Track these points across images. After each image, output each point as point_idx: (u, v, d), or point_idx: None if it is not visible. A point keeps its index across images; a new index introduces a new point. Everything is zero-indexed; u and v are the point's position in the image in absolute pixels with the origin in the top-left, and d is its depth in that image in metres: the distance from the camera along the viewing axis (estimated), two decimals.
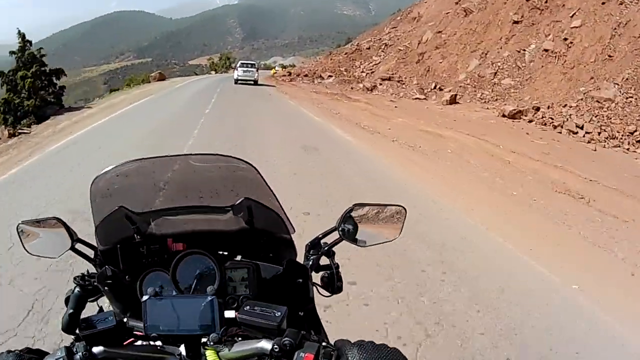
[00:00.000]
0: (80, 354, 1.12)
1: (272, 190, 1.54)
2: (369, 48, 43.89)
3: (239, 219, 1.56)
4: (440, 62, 30.67)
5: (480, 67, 26.45)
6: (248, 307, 1.21)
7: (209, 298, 1.16)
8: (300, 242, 1.66)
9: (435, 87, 27.29)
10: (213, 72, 79.05)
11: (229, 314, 1.28)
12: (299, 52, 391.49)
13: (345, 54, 45.71)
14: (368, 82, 32.17)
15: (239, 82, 36.18)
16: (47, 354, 1.16)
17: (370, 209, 1.56)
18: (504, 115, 18.78)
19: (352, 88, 33.59)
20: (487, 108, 21.70)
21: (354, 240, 1.53)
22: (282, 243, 1.61)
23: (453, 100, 23.76)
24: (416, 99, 26.38)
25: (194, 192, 1.66)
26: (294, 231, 1.59)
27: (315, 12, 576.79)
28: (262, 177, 1.53)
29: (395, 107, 22.97)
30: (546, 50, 23.15)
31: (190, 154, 1.61)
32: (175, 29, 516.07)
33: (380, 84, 31.50)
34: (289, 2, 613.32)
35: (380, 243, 1.59)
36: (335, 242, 1.56)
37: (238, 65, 39.88)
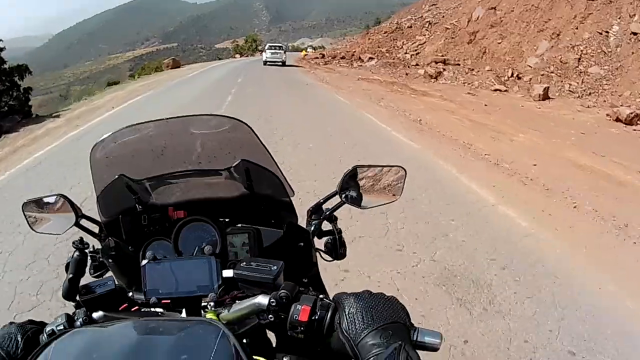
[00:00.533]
0: (80, 319, 1.11)
1: (269, 152, 1.50)
2: (410, 27, 39.11)
3: (238, 184, 1.55)
4: (499, 43, 26.01)
5: (555, 50, 21.75)
6: (244, 263, 1.21)
7: (207, 258, 1.22)
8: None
9: (512, 75, 21.94)
10: (238, 56, 72.79)
11: (227, 273, 1.23)
12: (326, 33, 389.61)
13: (385, 33, 40.54)
14: (430, 68, 26.40)
15: (268, 63, 37.61)
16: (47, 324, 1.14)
17: (370, 171, 1.54)
18: (617, 119, 13.66)
19: (407, 74, 27.37)
20: (588, 106, 16.54)
21: (356, 203, 1.51)
22: (282, 207, 1.56)
23: (546, 95, 18.15)
24: (496, 90, 20.63)
25: (192, 156, 1.60)
26: (294, 194, 1.55)
27: None
28: (257, 137, 1.48)
29: (485, 105, 16.64)
30: (634, 34, 18.66)
31: (186, 116, 1.53)
32: (200, 14, 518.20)
33: (444, 69, 26.20)
34: None
35: (381, 204, 1.58)
36: (337, 206, 1.54)
37: (266, 47, 41.47)
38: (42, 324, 1.14)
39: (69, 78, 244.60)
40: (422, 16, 40.21)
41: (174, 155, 1.61)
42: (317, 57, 43.29)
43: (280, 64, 37.65)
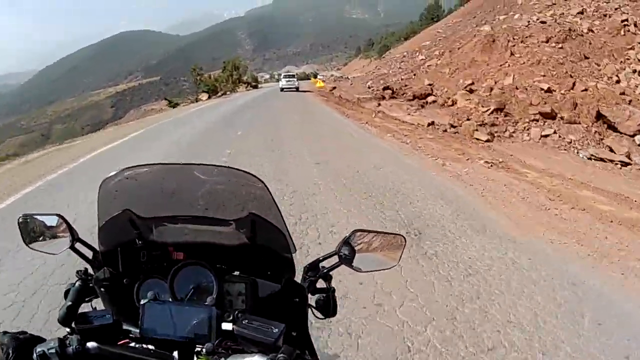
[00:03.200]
0: (73, 347, 1.11)
1: (278, 209, 1.50)
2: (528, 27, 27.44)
3: (240, 233, 1.54)
4: None
5: None
6: (246, 320, 1.22)
7: (208, 308, 1.23)
8: None
9: None
10: (204, 97, 49.93)
11: (226, 326, 1.25)
12: (312, 60, 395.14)
13: (488, 42, 26.54)
14: None
15: (285, 90, 41.63)
16: (43, 340, 1.15)
17: (370, 236, 1.56)
18: None
19: None
20: None
21: (352, 266, 1.52)
22: (282, 261, 1.56)
23: None
24: None
25: (200, 203, 1.61)
26: (295, 251, 1.55)
27: (325, 18, 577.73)
28: (270, 194, 1.48)
29: None
30: None
31: (201, 164, 1.56)
32: (183, 45, 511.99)
33: None
34: (297, 10, 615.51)
35: (377, 270, 1.60)
36: (334, 266, 1.55)
37: (282, 77, 48.95)
38: (37, 339, 1.14)
39: (51, 116, 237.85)
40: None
41: (183, 199, 1.62)
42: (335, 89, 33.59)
43: (294, 90, 41.17)
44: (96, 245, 1.59)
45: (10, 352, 1.06)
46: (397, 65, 38.34)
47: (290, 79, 45.38)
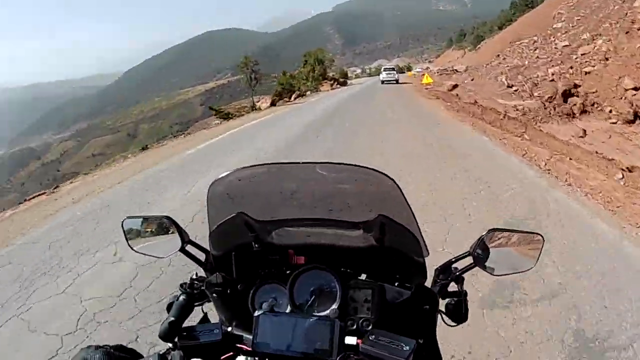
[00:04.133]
0: None
1: (411, 209, 1.37)
2: None
3: (368, 235, 1.45)
4: None
5: None
6: (373, 336, 1.14)
7: (331, 320, 1.16)
8: None
9: None
10: (263, 105, 36.02)
11: (350, 340, 1.17)
12: (402, 53, 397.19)
13: None
14: None
15: (385, 82, 45.15)
16: (140, 355, 1.16)
17: (506, 235, 1.44)
18: None
19: None
20: None
21: (487, 268, 1.40)
22: (413, 265, 1.45)
23: None
24: None
25: (323, 204, 1.52)
26: (428, 254, 1.44)
27: (411, 11, 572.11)
28: (402, 193, 1.35)
29: None
30: None
31: (324, 163, 1.44)
32: (271, 42, 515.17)
33: None
34: (383, 4, 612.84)
35: (513, 273, 1.48)
36: (468, 268, 1.42)
37: (382, 70, 52.03)
38: (133, 354, 1.12)
39: (137, 116, 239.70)
40: None
41: (303, 201, 1.54)
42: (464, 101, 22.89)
43: (394, 82, 44.22)
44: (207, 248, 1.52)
45: None
46: (530, 53, 29.66)
47: (390, 72, 48.42)
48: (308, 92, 45.04)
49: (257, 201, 1.51)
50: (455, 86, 24.23)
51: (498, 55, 34.20)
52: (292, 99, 40.21)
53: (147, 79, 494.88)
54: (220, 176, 1.44)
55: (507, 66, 27.94)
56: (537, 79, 20.22)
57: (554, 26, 32.71)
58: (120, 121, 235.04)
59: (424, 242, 1.40)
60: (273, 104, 35.69)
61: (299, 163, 1.43)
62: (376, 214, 1.36)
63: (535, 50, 29.67)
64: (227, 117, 30.61)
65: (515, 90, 19.63)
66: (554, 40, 28.89)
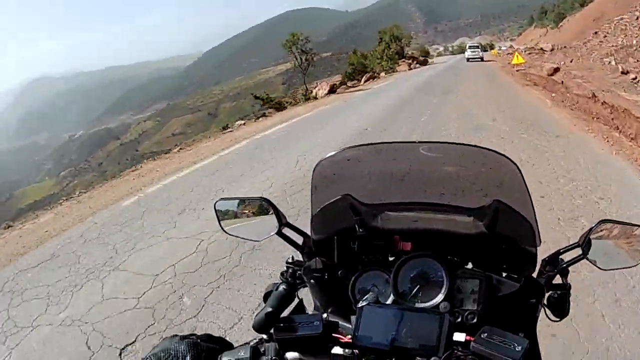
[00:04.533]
0: (269, 357, 1.06)
1: (530, 196, 1.29)
2: None
3: (479, 222, 1.38)
4: None
5: None
6: (486, 334, 1.06)
7: (440, 315, 1.10)
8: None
9: None
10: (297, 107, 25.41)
11: (459, 336, 1.09)
12: (484, 31, 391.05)
13: None
14: None
15: (470, 60, 47.48)
16: (230, 345, 1.13)
17: (618, 228, 1.36)
18: None
19: None
20: None
21: (595, 262, 1.32)
22: (523, 255, 1.36)
23: None
24: None
25: (434, 187, 1.46)
26: (540, 243, 1.33)
27: None
28: (522, 177, 1.28)
29: None
30: None
31: (438, 142, 1.42)
32: (352, 21, 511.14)
33: None
34: None
35: (621, 268, 1.39)
36: (576, 260, 1.35)
37: (467, 47, 55.69)
38: (222, 344, 1.10)
39: (218, 95, 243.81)
40: None
41: (414, 184, 1.47)
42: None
43: (479, 59, 45.88)
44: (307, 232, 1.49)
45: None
46: (637, 31, 25.50)
47: (475, 50, 50.61)
48: (383, 74, 40.65)
49: (364, 183, 1.46)
50: (556, 70, 20.44)
51: (596, 33, 29.70)
52: (363, 81, 35.91)
53: (227, 59, 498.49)
54: (326, 156, 1.39)
55: (613, 46, 23.88)
56: None
57: None
58: (200, 101, 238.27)
59: (538, 230, 1.30)
60: (332, 90, 29.41)
61: (411, 143, 1.40)
62: (491, 199, 1.30)
63: None
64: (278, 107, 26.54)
65: (635, 79, 15.92)
66: None
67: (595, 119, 11.80)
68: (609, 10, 36.06)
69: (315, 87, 30.91)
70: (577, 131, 10.29)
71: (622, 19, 29.24)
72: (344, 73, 42.17)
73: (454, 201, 1.40)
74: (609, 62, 20.47)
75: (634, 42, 23.52)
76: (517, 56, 27.56)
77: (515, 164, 1.25)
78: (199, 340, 1.04)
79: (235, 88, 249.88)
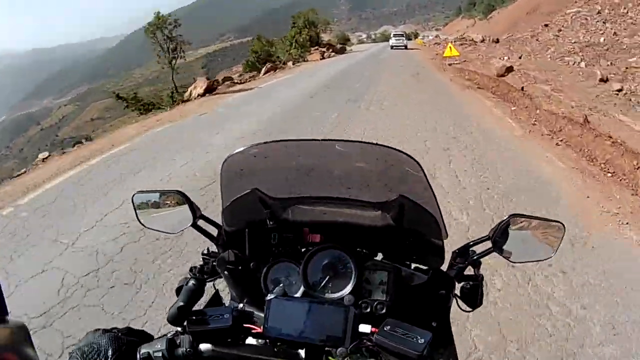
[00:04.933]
0: (184, 349, 1.06)
1: (432, 191, 1.31)
2: None
3: (386, 215, 1.41)
4: None
5: None
6: (389, 327, 1.09)
7: (345, 307, 1.12)
8: None
9: None
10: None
11: (364, 328, 1.13)
12: (409, 20, 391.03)
13: None
14: None
15: (394, 47, 45.99)
16: (149, 337, 1.12)
17: (527, 222, 1.40)
18: None
19: None
20: None
21: (505, 254, 1.37)
22: (431, 248, 1.42)
23: None
24: None
25: (341, 182, 1.46)
26: (447, 236, 1.39)
27: None
28: (424, 174, 1.30)
29: None
30: None
31: (343, 140, 1.37)
32: (278, 6, 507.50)
33: None
34: None
35: (532, 261, 1.47)
36: (486, 253, 1.39)
37: (392, 35, 55.28)
38: (142, 336, 1.10)
39: (138, 79, 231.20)
40: None
41: (321, 179, 1.48)
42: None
43: (403, 47, 45.50)
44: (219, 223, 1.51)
45: (110, 353, 0.98)
46: (600, 27, 21.65)
47: (400, 38, 49.58)
48: (290, 63, 33.94)
49: (273, 178, 1.46)
50: (509, 69, 14.59)
51: (547, 25, 24.85)
52: (262, 73, 29.36)
53: (149, 42, 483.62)
54: (234, 152, 1.37)
55: (575, 42, 18.86)
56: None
57: None
58: (120, 84, 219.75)
59: (444, 224, 1.36)
60: (211, 89, 21.85)
61: (317, 140, 1.39)
62: (396, 194, 1.33)
63: (605, 23, 21.75)
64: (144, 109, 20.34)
65: (620, 90, 11.27)
66: (627, 12, 21.90)
67: (607, 171, 6.82)
68: (544, 4, 35.75)
69: (194, 87, 22.45)
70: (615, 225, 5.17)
71: (578, 12, 24.29)
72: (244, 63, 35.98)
73: (360, 196, 1.40)
74: (575, 63, 15.60)
75: (601, 39, 18.73)
76: (450, 47, 22.23)
77: (417, 162, 1.25)
78: (119, 334, 1.04)
79: (154, 71, 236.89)
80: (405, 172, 1.32)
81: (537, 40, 22.06)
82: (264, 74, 28.87)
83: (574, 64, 15.94)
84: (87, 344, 1.00)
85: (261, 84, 22.79)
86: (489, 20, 68.16)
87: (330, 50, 44.19)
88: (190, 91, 21.89)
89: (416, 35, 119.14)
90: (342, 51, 48.37)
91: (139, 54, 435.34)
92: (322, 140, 1.38)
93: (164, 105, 19.73)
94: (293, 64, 33.34)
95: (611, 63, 15.69)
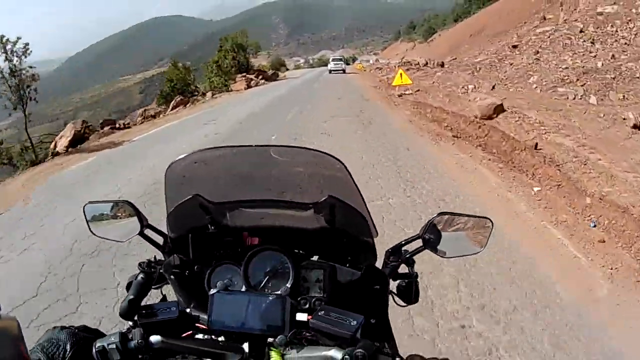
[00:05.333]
0: (135, 341, 1.08)
1: (359, 191, 1.41)
2: None
3: (319, 217, 1.47)
4: None
5: None
6: (323, 312, 1.16)
7: (282, 298, 1.16)
8: None
9: None
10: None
11: (301, 316, 1.23)
12: (347, 44, 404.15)
13: None
14: None
15: (332, 72, 44.65)
16: (103, 334, 1.14)
17: (456, 219, 1.46)
18: None
19: None
20: None
21: (436, 250, 1.42)
22: (363, 246, 1.50)
23: None
24: None
25: (275, 186, 1.58)
26: (377, 235, 1.48)
27: (360, 2, 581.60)
28: (350, 176, 1.39)
29: None
30: None
31: (276, 146, 1.49)
32: (216, 30, 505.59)
33: None
34: None
35: (462, 255, 1.53)
36: (417, 251, 1.45)
37: (330, 60, 56.44)
38: (96, 333, 1.13)
39: (76, 103, 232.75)
40: None
41: (257, 183, 1.59)
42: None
43: (341, 72, 44.14)
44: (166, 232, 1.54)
45: (68, 348, 1.02)
46: (589, 47, 18.14)
47: (338, 62, 49.59)
48: (209, 94, 28.60)
49: (213, 183, 1.51)
50: (498, 109, 9.84)
51: (515, 47, 20.83)
52: (170, 108, 23.77)
53: (89, 65, 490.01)
54: (176, 159, 1.42)
55: (567, 68, 14.51)
56: None
57: (600, 10, 20.92)
58: (59, 109, 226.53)
59: (373, 223, 1.42)
60: (80, 139, 17.04)
61: (253, 146, 1.45)
62: (326, 195, 1.37)
63: (594, 43, 18.58)
64: None
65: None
66: (617, 31, 18.86)
67: None
68: (489, 26, 36.25)
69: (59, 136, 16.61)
70: None
71: (556, 30, 20.11)
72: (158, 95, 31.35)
73: (295, 198, 1.47)
74: (577, 96, 11.35)
75: (599, 64, 14.45)
76: (400, 74, 17.57)
77: (344, 165, 1.34)
78: (76, 330, 1.08)
79: (94, 96, 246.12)
80: (334, 174, 1.39)
81: (510, 64, 17.67)
82: (172, 109, 23.53)
83: (576, 98, 11.61)
84: (47, 340, 1.03)
85: (150, 129, 17.25)
86: (430, 44, 70.01)
87: (260, 77, 38.70)
88: (56, 142, 16.62)
89: (354, 60, 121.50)
90: (274, 78, 43.33)
91: (77, 78, 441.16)
92: (257, 146, 1.44)
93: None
94: (212, 95, 27.99)
95: (624, 96, 11.45)
